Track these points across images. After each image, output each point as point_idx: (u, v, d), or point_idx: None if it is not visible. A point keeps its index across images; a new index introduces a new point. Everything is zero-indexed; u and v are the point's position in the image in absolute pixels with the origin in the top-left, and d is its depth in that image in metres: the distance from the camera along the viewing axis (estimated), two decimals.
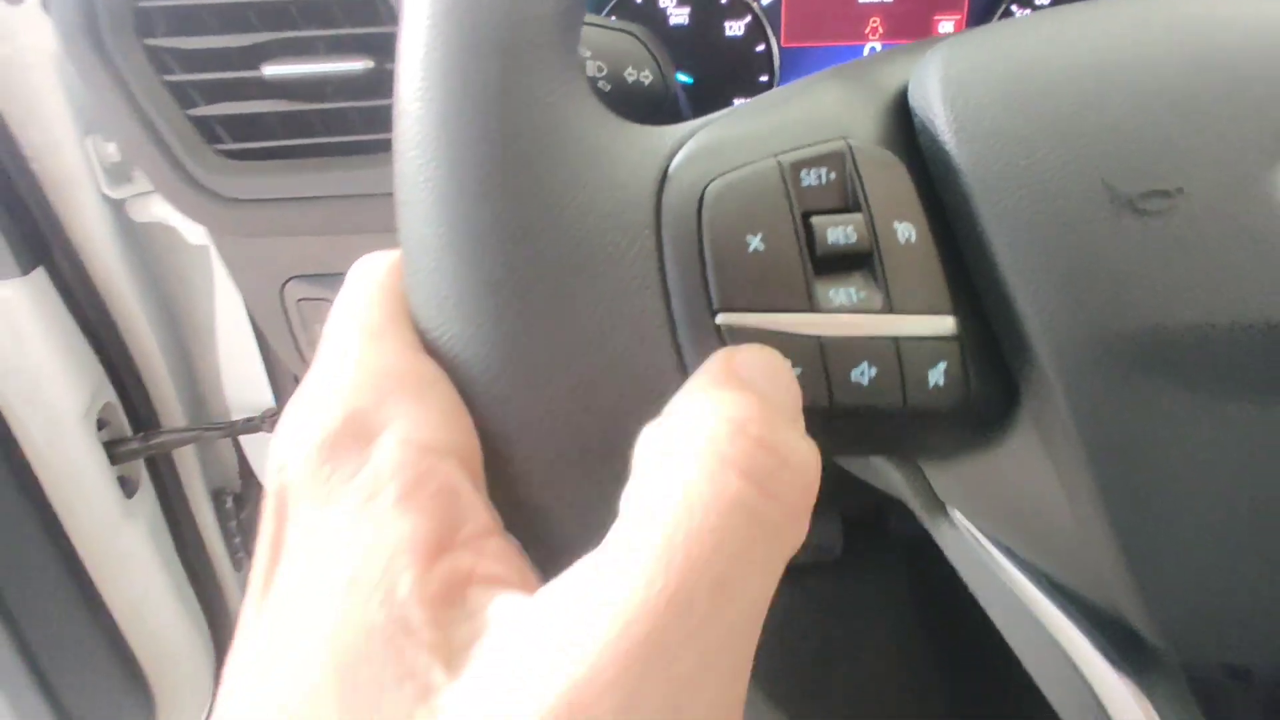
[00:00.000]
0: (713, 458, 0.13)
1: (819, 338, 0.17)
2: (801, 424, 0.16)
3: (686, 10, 0.48)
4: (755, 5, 0.48)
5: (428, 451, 0.14)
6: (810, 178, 0.17)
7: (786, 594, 0.15)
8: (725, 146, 0.18)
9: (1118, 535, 0.18)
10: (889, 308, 0.17)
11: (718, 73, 0.49)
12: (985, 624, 0.22)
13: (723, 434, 0.14)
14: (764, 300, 0.17)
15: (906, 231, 0.17)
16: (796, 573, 0.20)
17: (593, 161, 0.17)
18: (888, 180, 0.18)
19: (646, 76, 0.30)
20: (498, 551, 0.14)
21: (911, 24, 0.49)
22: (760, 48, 0.49)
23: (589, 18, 0.29)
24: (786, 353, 0.17)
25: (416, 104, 0.16)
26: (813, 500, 0.14)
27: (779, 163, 0.17)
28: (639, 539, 0.13)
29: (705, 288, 0.17)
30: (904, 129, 0.18)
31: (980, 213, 0.17)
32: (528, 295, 0.16)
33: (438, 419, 0.15)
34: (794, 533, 0.14)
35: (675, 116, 0.34)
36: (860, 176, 0.17)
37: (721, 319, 0.17)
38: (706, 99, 0.49)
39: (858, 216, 0.17)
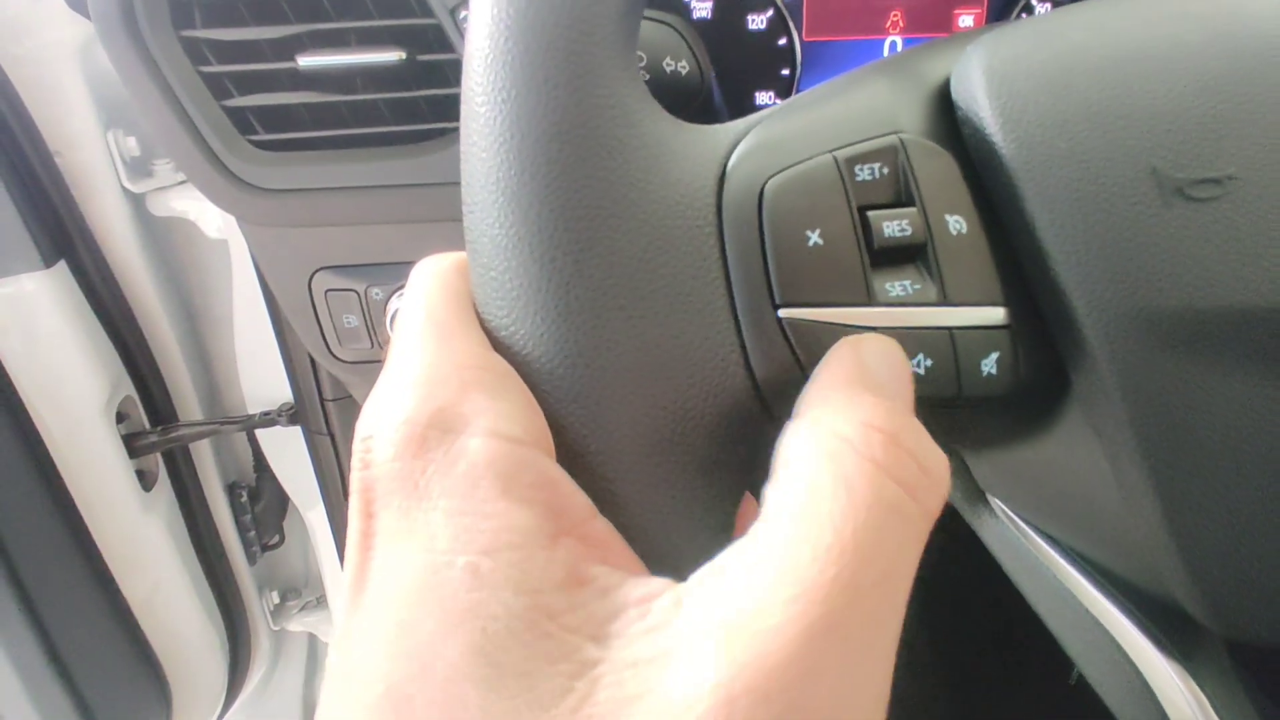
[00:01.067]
0: (870, 463, 0.14)
1: (879, 327, 0.17)
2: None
3: (710, 4, 0.48)
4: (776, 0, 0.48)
5: (517, 443, 0.15)
6: (865, 173, 0.18)
7: None
8: (781, 143, 0.18)
9: (1166, 515, 0.19)
10: (944, 299, 0.18)
11: (740, 66, 0.49)
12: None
13: (876, 442, 0.15)
14: (824, 294, 0.17)
15: (958, 224, 0.18)
16: None
17: (656, 162, 0.17)
18: (939, 173, 0.18)
19: (684, 67, 0.30)
20: (604, 534, 0.15)
21: (932, 18, 0.50)
22: (782, 41, 0.49)
23: None
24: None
25: (485, 106, 0.17)
26: (944, 502, 0.15)
27: (834, 158, 0.18)
28: (806, 532, 0.14)
29: (767, 282, 0.17)
30: (949, 122, 0.19)
31: (1027, 201, 0.17)
32: (597, 293, 0.16)
33: (519, 412, 0.16)
34: (928, 531, 0.15)
35: (710, 107, 0.34)
36: (913, 170, 0.18)
37: (784, 313, 0.17)
38: (729, 92, 0.50)
39: (912, 210, 0.18)
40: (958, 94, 0.19)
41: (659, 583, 0.14)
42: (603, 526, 0.15)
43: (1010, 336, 0.18)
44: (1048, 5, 0.48)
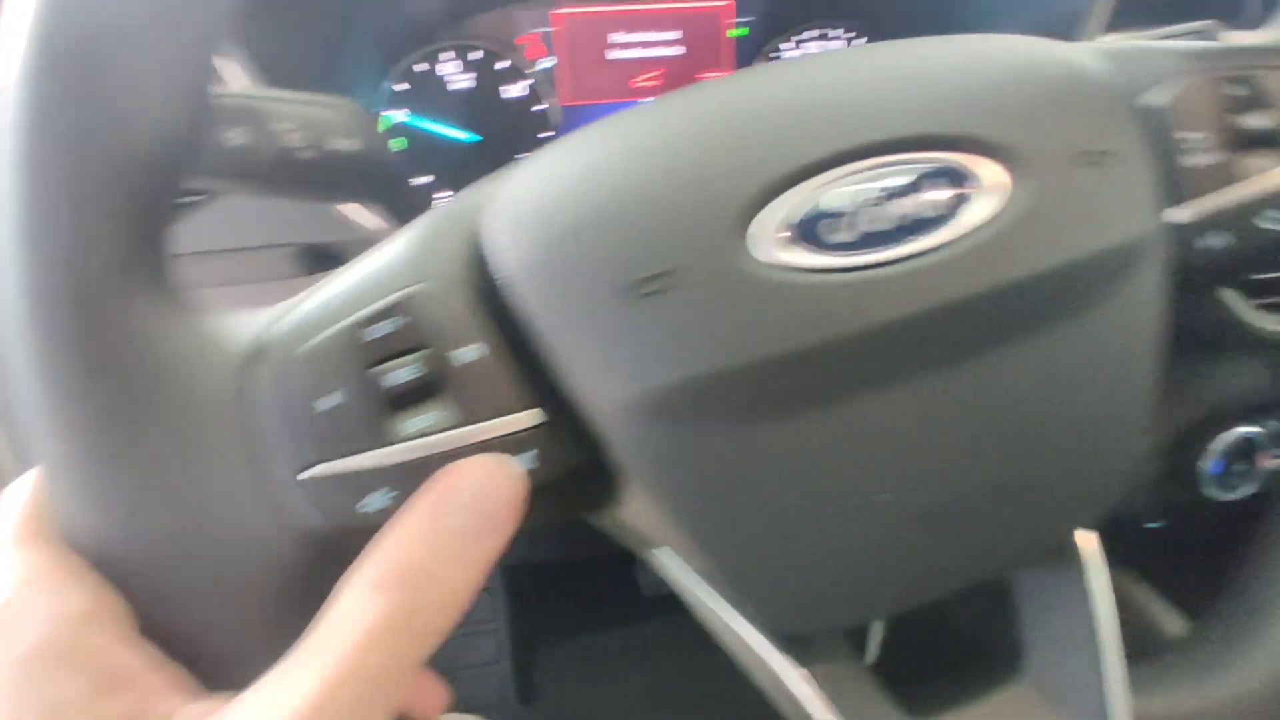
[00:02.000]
0: (370, 589, 0.18)
1: (401, 464, 0.20)
2: (438, 545, 0.19)
3: (469, 76, 0.52)
4: (529, 72, 0.52)
5: (71, 622, 0.18)
6: (378, 330, 0.20)
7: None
8: (299, 323, 0.21)
9: (703, 549, 0.22)
10: (467, 421, 0.20)
11: (503, 131, 0.53)
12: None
13: (384, 570, 0.18)
14: (344, 449, 0.20)
15: (473, 352, 0.20)
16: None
17: (174, 361, 0.20)
18: (452, 310, 0.20)
19: (355, 144, 0.33)
20: (161, 683, 0.18)
21: (679, 81, 0.54)
22: (539, 108, 0.53)
23: (292, 95, 0.32)
24: (373, 485, 0.20)
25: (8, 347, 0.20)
26: (449, 608, 0.19)
27: (344, 326, 0.20)
28: (312, 650, 0.18)
29: (287, 450, 0.20)
30: (478, 257, 0.21)
31: (532, 315, 0.20)
32: (138, 479, 0.19)
33: (80, 594, 0.19)
34: (433, 630, 0.19)
35: (396, 184, 0.37)
36: (421, 315, 0.20)
37: (304, 475, 0.20)
38: (494, 154, 0.53)
39: (423, 352, 0.20)
40: (481, 230, 0.22)
41: (210, 704, 0.18)
42: (163, 676, 0.19)
43: (548, 432, 0.21)
44: None
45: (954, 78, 0.22)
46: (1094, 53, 0.25)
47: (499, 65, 0.52)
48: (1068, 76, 0.23)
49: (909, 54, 0.23)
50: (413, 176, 0.52)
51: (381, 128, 0.51)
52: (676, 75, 0.54)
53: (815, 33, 0.55)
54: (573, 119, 0.54)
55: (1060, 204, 0.21)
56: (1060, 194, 0.22)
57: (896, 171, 0.21)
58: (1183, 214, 0.24)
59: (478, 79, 0.52)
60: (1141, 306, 0.23)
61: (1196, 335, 0.48)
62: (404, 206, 0.38)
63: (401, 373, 0.20)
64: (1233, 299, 0.43)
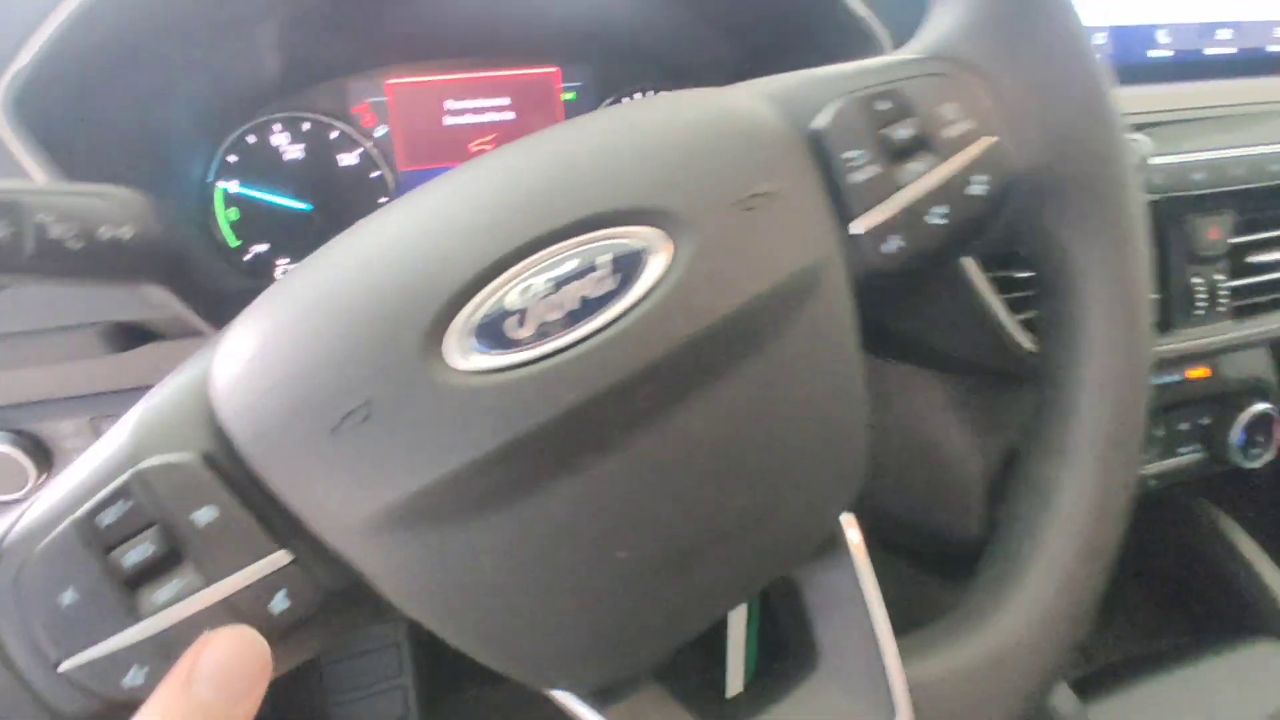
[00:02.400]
0: None
1: (153, 637, 0.21)
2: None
3: (300, 146, 0.53)
4: (362, 141, 0.53)
5: None
6: (110, 515, 0.21)
7: None
8: (33, 524, 0.21)
9: (474, 639, 0.23)
10: (212, 579, 0.21)
11: (339, 198, 0.54)
12: None
13: None
14: (95, 636, 0.21)
15: (209, 514, 0.21)
16: None
17: None
18: (181, 478, 0.21)
19: (126, 232, 0.34)
20: None
21: (513, 140, 0.56)
22: (375, 174, 0.54)
23: (59, 187, 0.32)
24: (131, 660, 0.20)
25: None
26: None
27: (77, 519, 0.21)
28: None
29: (43, 646, 0.21)
30: (204, 420, 0.22)
31: (259, 466, 0.21)
32: None
33: None
34: None
35: (184, 267, 0.38)
36: (153, 491, 0.21)
37: (63, 667, 0.20)
38: (332, 220, 0.54)
39: (154, 528, 0.21)
40: (205, 393, 0.23)
41: None
42: None
43: (293, 572, 0.22)
44: None
45: (605, 155, 0.24)
46: (757, 94, 0.27)
47: (333, 134, 0.53)
48: (722, 128, 0.25)
49: (564, 139, 0.25)
50: (248, 246, 0.53)
51: (216, 199, 0.52)
52: (509, 138, 0.56)
53: (640, 95, 0.57)
54: (411, 183, 0.55)
55: (726, 252, 0.23)
56: (724, 243, 0.23)
57: (562, 260, 0.22)
58: (859, 227, 0.26)
59: (311, 148, 0.53)
60: (832, 319, 0.25)
61: (984, 365, 0.51)
62: (198, 287, 0.38)
63: (138, 551, 0.21)
64: (1006, 319, 0.46)
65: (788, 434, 0.24)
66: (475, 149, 0.56)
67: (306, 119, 0.52)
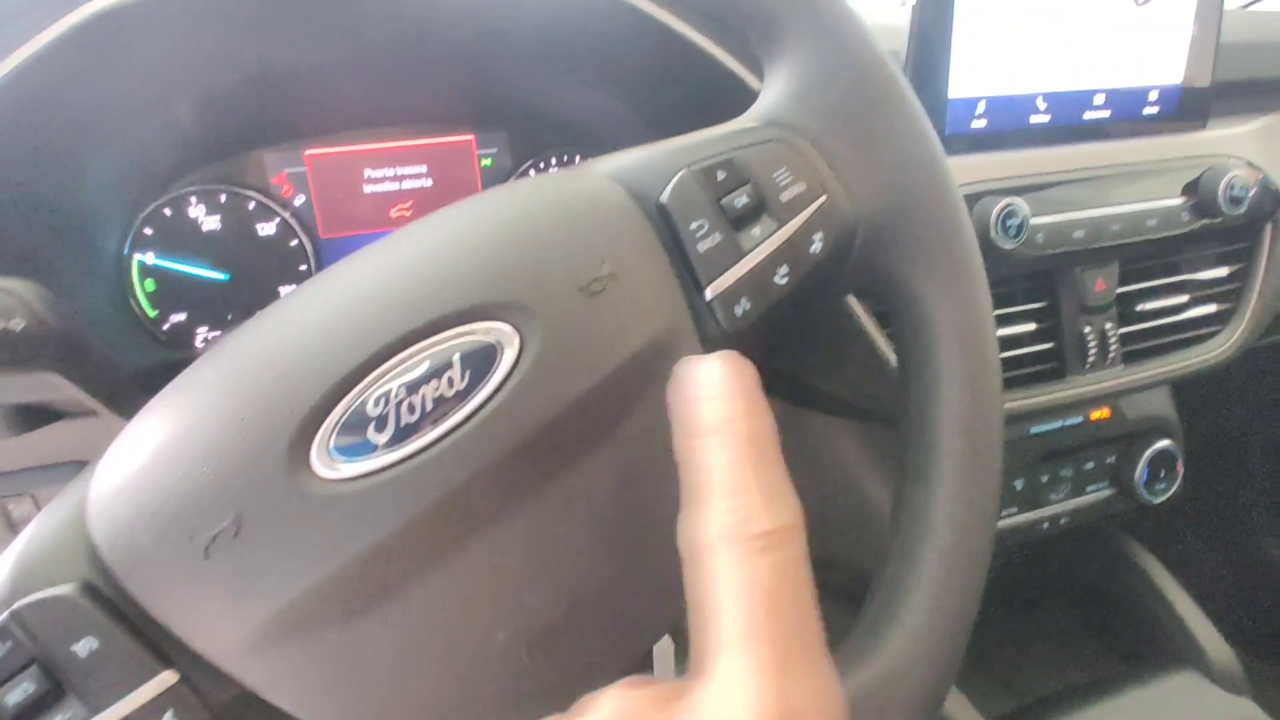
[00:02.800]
0: None
1: None
2: None
3: (216, 217, 0.53)
4: (281, 211, 0.54)
5: None
6: None
7: None
8: None
9: None
10: (98, 708, 0.21)
11: (257, 267, 0.55)
12: None
13: None
14: None
15: (91, 643, 0.21)
16: None
17: None
18: (59, 611, 0.22)
19: (17, 324, 0.34)
20: None
21: (430, 209, 0.57)
22: (295, 243, 0.55)
23: None
24: None
25: None
26: None
27: None
28: None
29: None
30: (83, 550, 0.23)
31: (137, 590, 0.22)
32: None
33: None
34: None
35: (83, 356, 0.38)
36: (30, 628, 0.21)
37: None
38: (253, 290, 0.55)
39: (37, 665, 0.21)
40: (83, 523, 0.23)
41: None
42: None
43: (181, 691, 0.22)
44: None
45: (451, 254, 0.25)
46: (606, 172, 0.28)
47: (250, 205, 0.54)
48: (567, 214, 0.26)
49: (414, 241, 0.26)
50: (166, 315, 0.53)
51: (133, 271, 0.52)
52: (429, 204, 0.57)
53: (554, 160, 0.59)
54: (333, 250, 0.56)
55: (572, 338, 0.24)
56: (570, 329, 0.24)
57: (415, 363, 0.24)
58: (709, 293, 0.27)
59: (229, 219, 0.53)
60: None
61: (889, 414, 0.53)
62: (98, 370, 0.39)
63: (18, 691, 0.21)
64: (880, 341, 0.48)
65: (649, 505, 0.25)
66: (395, 215, 0.57)
67: (223, 190, 0.53)
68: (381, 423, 0.23)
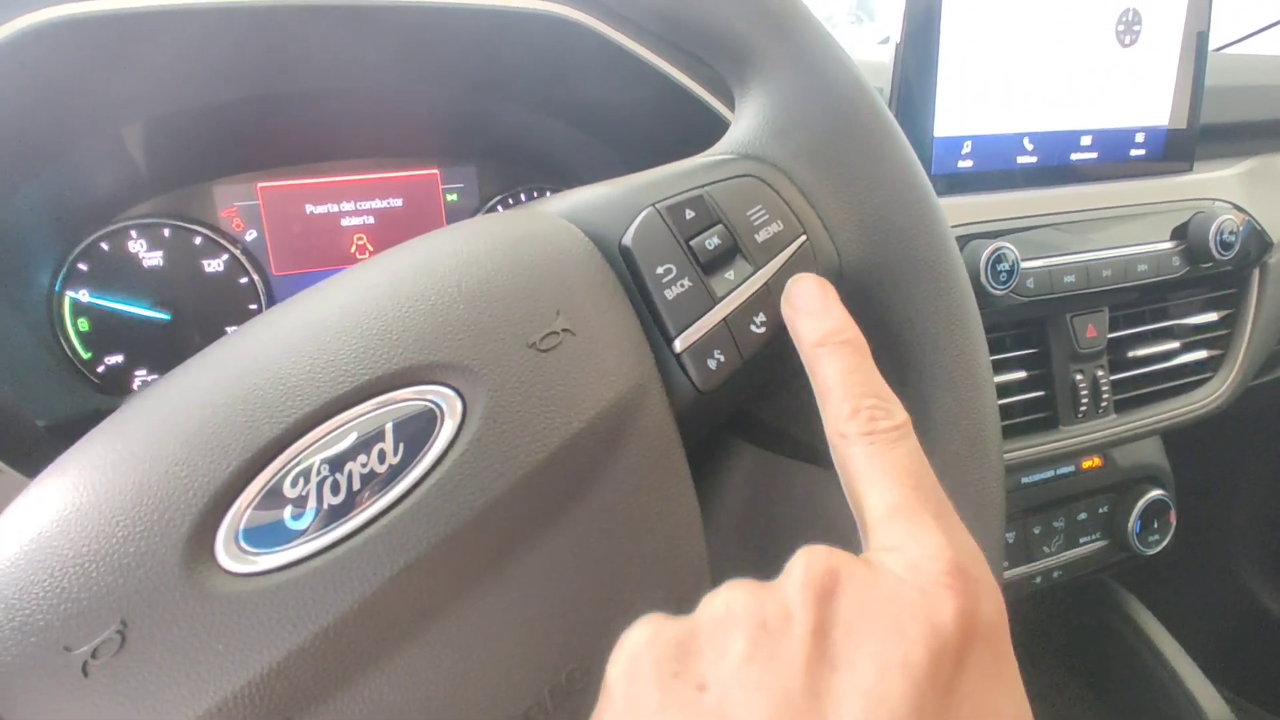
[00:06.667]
0: None
1: None
2: None
3: (158, 253, 0.50)
4: (230, 246, 0.51)
5: None
6: None
7: None
8: None
9: None
10: None
11: (203, 306, 0.51)
12: None
13: None
14: None
15: None
16: None
17: None
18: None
19: None
20: None
21: (393, 244, 0.54)
22: (244, 280, 0.52)
23: None
24: None
25: None
26: None
27: None
28: None
29: None
30: None
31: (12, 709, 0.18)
32: None
33: None
34: None
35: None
36: None
37: None
38: (199, 329, 0.51)
39: None
40: None
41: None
42: None
43: None
44: None
45: (382, 310, 0.22)
46: (565, 211, 0.25)
47: (196, 240, 0.50)
48: (518, 261, 0.23)
49: (341, 292, 0.23)
50: (101, 357, 0.49)
51: (65, 308, 0.49)
52: (388, 241, 0.54)
53: (523, 196, 0.57)
54: (285, 288, 0.53)
55: (522, 403, 0.21)
56: (520, 393, 0.21)
57: (339, 436, 0.20)
58: (679, 345, 0.24)
59: (172, 255, 0.50)
60: (656, 450, 0.23)
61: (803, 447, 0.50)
62: (16, 444, 0.35)
63: None
64: None
65: (609, 589, 0.23)
66: (354, 252, 0.54)
67: (167, 225, 0.50)
68: (300, 505, 0.20)
